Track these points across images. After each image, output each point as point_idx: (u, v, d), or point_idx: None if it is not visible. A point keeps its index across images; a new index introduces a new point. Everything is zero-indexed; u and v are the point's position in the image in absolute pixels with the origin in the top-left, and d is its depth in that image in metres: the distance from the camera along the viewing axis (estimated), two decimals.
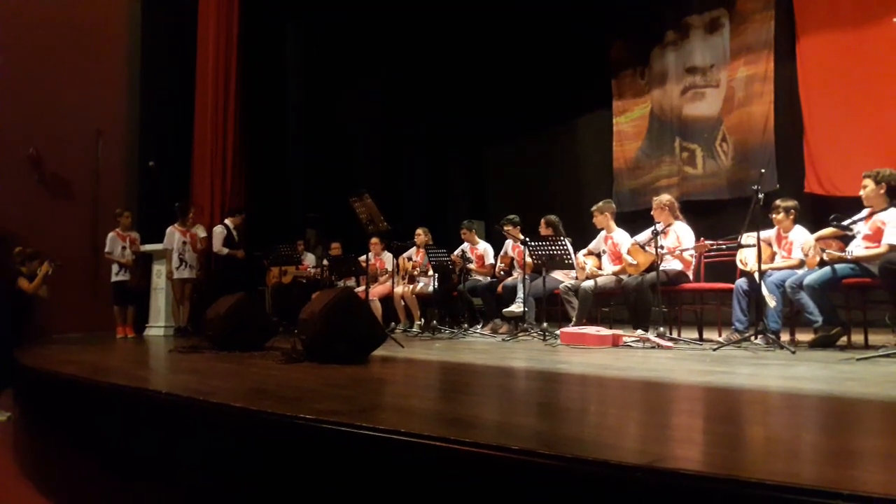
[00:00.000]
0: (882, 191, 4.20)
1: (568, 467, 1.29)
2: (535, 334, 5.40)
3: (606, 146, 9.37)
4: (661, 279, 4.93)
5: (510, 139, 10.66)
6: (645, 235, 5.32)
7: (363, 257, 6.79)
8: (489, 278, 6.80)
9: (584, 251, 6.06)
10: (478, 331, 6.38)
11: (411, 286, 7.19)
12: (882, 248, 4.06)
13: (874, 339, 4.41)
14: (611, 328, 5.31)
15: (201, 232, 7.47)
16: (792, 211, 4.83)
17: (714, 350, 4.19)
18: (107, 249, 7.09)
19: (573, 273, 5.92)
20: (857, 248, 4.24)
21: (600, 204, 6.00)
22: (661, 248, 5.06)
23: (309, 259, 8.31)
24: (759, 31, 7.62)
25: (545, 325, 5.32)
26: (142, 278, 7.26)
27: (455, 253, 6.82)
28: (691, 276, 5.31)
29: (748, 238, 4.58)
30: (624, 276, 5.41)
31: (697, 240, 5.21)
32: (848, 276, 4.23)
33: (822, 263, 4.33)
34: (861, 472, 1.30)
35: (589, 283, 5.51)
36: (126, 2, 8.52)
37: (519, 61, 9.97)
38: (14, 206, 7.31)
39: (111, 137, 8.33)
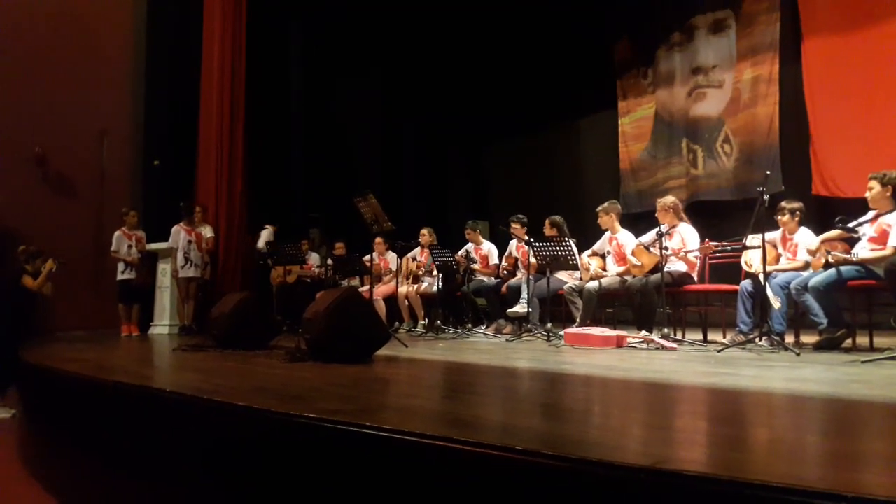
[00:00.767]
0: (888, 193, 4.19)
1: (572, 468, 1.29)
2: (538, 335, 5.40)
3: (610, 147, 9.33)
4: (666, 280, 4.92)
5: (513, 139, 10.62)
6: (650, 236, 5.31)
7: (367, 257, 6.80)
8: (493, 279, 6.79)
9: (589, 252, 6.05)
10: (482, 331, 6.38)
11: (415, 286, 7.19)
12: (888, 251, 4.05)
13: (879, 341, 4.39)
14: (615, 329, 5.30)
15: (208, 232, 7.49)
16: (797, 213, 4.82)
17: (718, 352, 4.19)
18: (113, 248, 7.12)
19: (577, 274, 5.91)
20: (863, 251, 4.23)
21: (606, 205, 5.98)
22: (666, 249, 5.05)
23: (313, 258, 8.32)
24: (764, 32, 7.58)
25: (549, 325, 5.32)
26: (147, 277, 7.28)
27: (459, 253, 6.81)
28: (696, 278, 5.31)
29: (753, 240, 4.56)
30: (628, 277, 5.41)
31: (702, 241, 5.20)
32: (853, 278, 4.22)
33: (827, 265, 4.31)
34: (865, 475, 1.30)
35: (593, 284, 5.50)
36: (131, 1, 8.55)
37: (523, 61, 9.94)
38: (19, 205, 7.35)
39: (116, 136, 8.36)
